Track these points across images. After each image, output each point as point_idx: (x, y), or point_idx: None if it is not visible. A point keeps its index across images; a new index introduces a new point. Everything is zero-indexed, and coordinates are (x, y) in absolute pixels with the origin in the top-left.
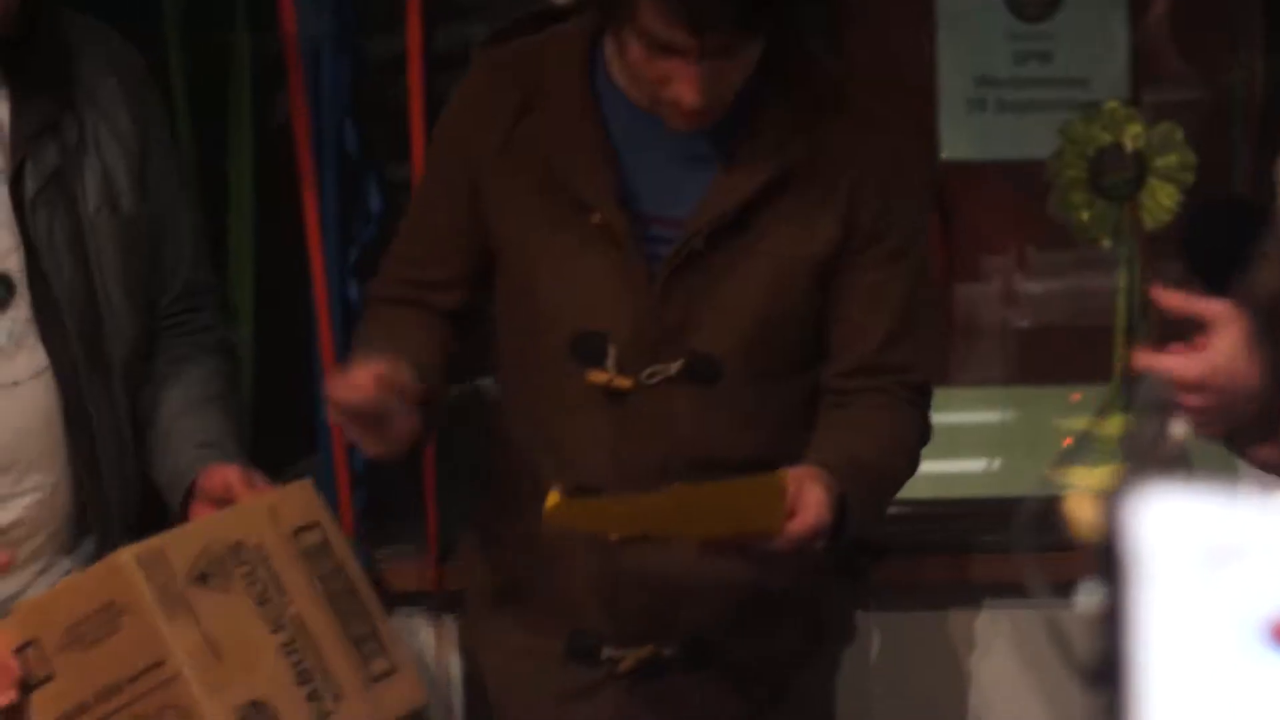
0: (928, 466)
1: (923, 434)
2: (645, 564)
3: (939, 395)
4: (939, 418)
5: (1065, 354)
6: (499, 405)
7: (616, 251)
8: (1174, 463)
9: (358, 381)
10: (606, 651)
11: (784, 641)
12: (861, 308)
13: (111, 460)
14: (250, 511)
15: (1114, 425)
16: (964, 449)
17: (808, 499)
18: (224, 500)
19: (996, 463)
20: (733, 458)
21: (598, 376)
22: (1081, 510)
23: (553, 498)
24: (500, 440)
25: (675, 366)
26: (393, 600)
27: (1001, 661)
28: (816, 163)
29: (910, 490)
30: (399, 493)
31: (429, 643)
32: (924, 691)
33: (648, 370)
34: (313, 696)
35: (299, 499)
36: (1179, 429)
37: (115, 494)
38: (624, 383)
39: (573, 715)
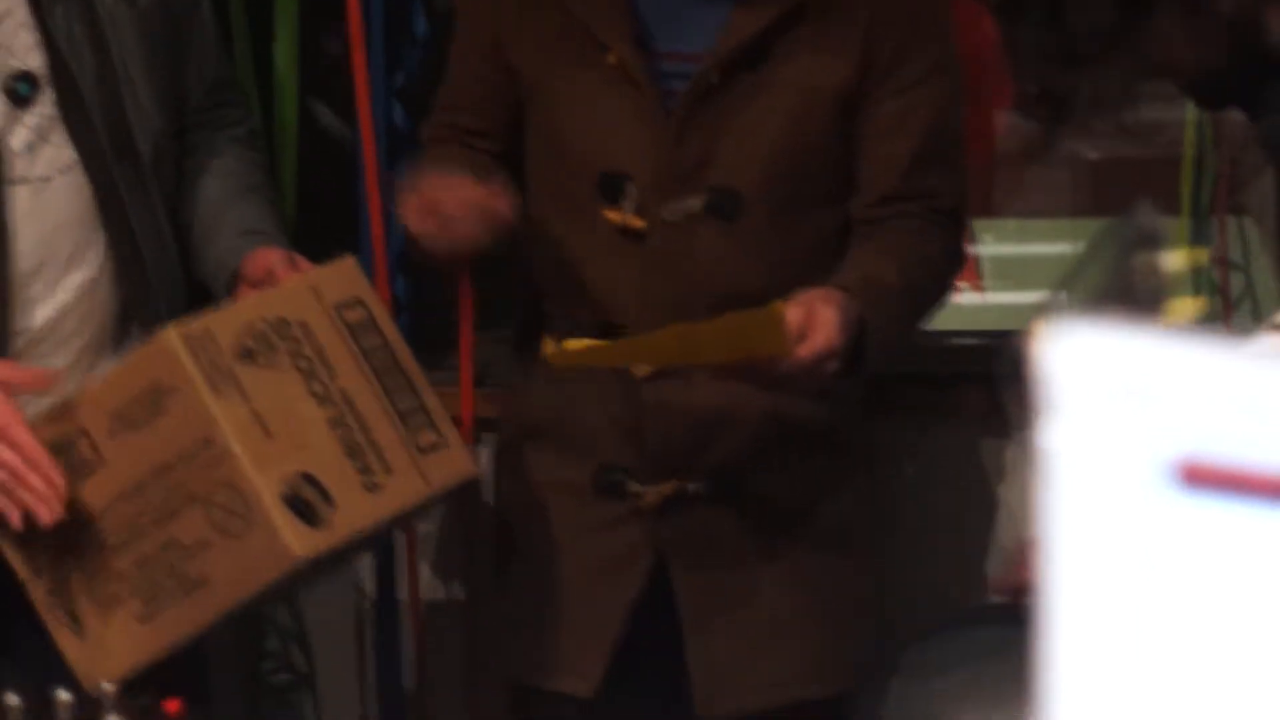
0: (996, 298)
1: (952, 258)
2: (670, 399)
3: (1007, 227)
4: (1008, 249)
5: (1134, 186)
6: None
7: (634, 90)
8: (1156, 295)
9: (438, 180)
10: (632, 486)
11: (810, 472)
12: (885, 136)
13: (153, 253)
14: (293, 290)
15: (1181, 259)
16: (1033, 281)
17: (818, 321)
18: (268, 284)
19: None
20: (756, 293)
21: (614, 215)
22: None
23: (549, 346)
24: (528, 279)
25: (697, 203)
26: None
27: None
28: None
29: (977, 321)
30: (436, 319)
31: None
32: (954, 517)
33: (669, 208)
34: (363, 470)
35: (342, 276)
36: (1166, 261)
37: (159, 289)
38: (637, 222)
39: (598, 548)
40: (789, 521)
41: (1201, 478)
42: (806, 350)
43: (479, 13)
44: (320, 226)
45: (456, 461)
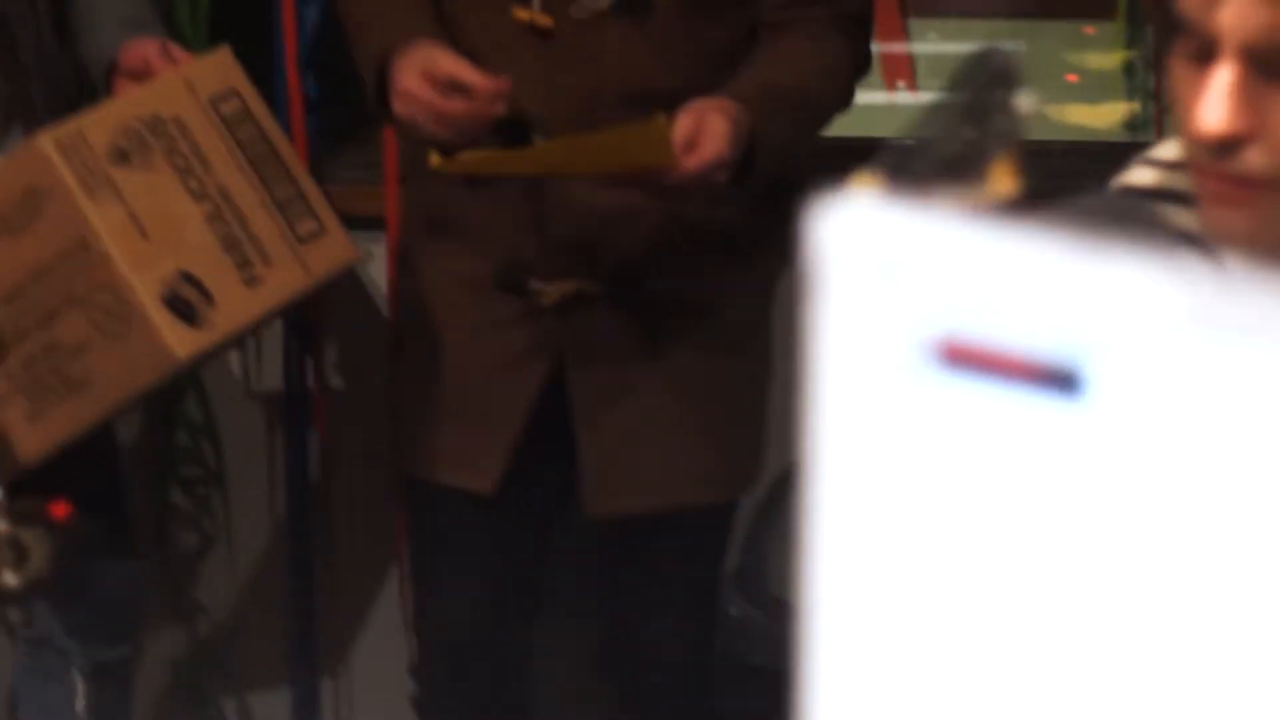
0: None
1: (857, 63)
2: (572, 197)
3: (946, 25)
4: (946, 47)
5: None
6: None
7: None
8: (1011, 133)
9: (428, 82)
10: (533, 283)
11: (708, 274)
12: None
13: (31, 49)
14: (167, 85)
15: (1117, 59)
16: None
17: (708, 132)
18: (145, 76)
19: None
20: (663, 91)
21: (522, 13)
22: (863, 188)
23: (435, 157)
24: None
25: (605, 1)
26: (348, 223)
27: None
28: None
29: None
30: (355, 118)
31: (382, 266)
32: None
33: (577, 5)
34: (241, 263)
35: (215, 68)
36: (1024, 101)
37: (39, 87)
38: (546, 20)
39: (497, 346)
40: (685, 323)
41: (961, 357)
42: (695, 161)
43: None
44: (233, 22)
45: (337, 248)
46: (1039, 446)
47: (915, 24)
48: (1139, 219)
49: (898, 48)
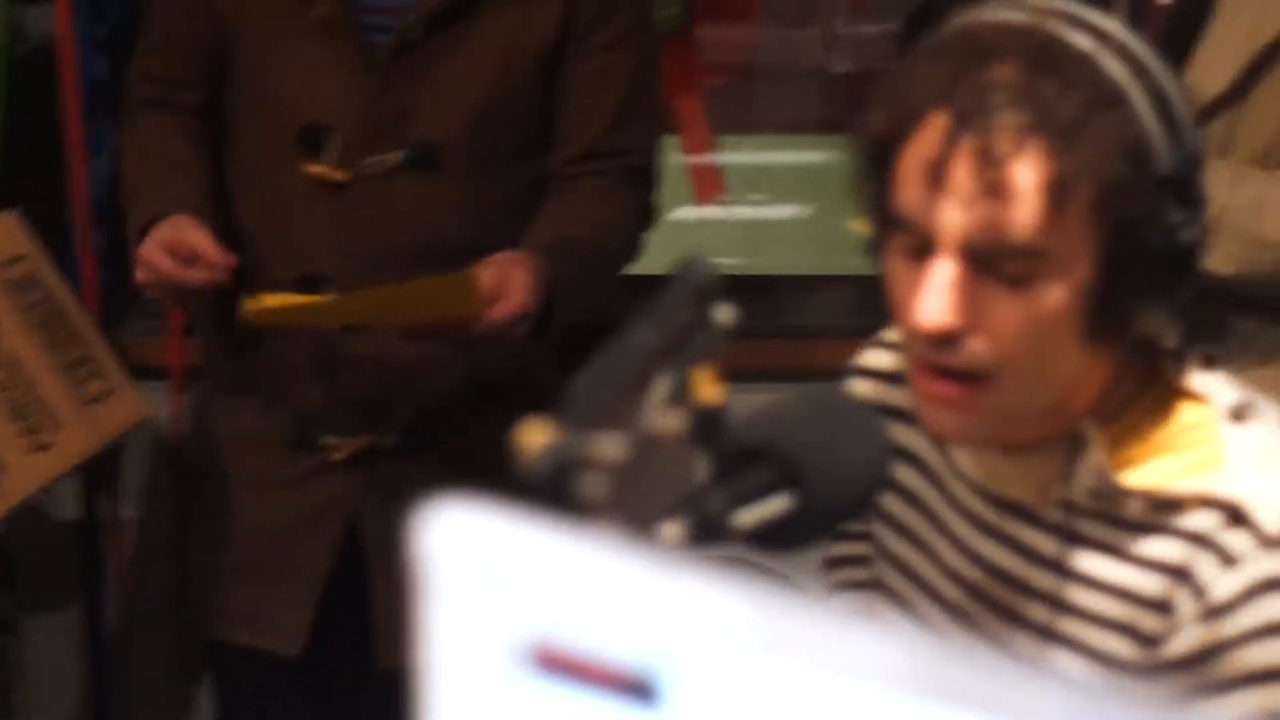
0: (744, 211)
1: (642, 216)
2: (366, 351)
3: (755, 140)
4: (755, 159)
5: None
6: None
7: (338, 42)
8: (713, 347)
9: (169, 253)
10: (326, 439)
11: (505, 425)
12: (585, 93)
13: None
14: None
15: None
16: (780, 193)
17: (510, 285)
18: None
19: (809, 209)
20: (456, 245)
21: (315, 168)
22: (530, 437)
23: (248, 304)
24: (231, 231)
25: (397, 156)
26: (136, 374)
27: None
28: None
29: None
30: None
31: (168, 417)
32: None
33: (370, 160)
34: (30, 431)
35: (2, 234)
36: (724, 313)
37: None
38: (339, 174)
39: (294, 504)
40: (482, 475)
41: (554, 663)
42: (498, 313)
43: None
44: (25, 178)
45: (126, 406)
46: None
47: (725, 139)
48: (859, 413)
49: (708, 162)
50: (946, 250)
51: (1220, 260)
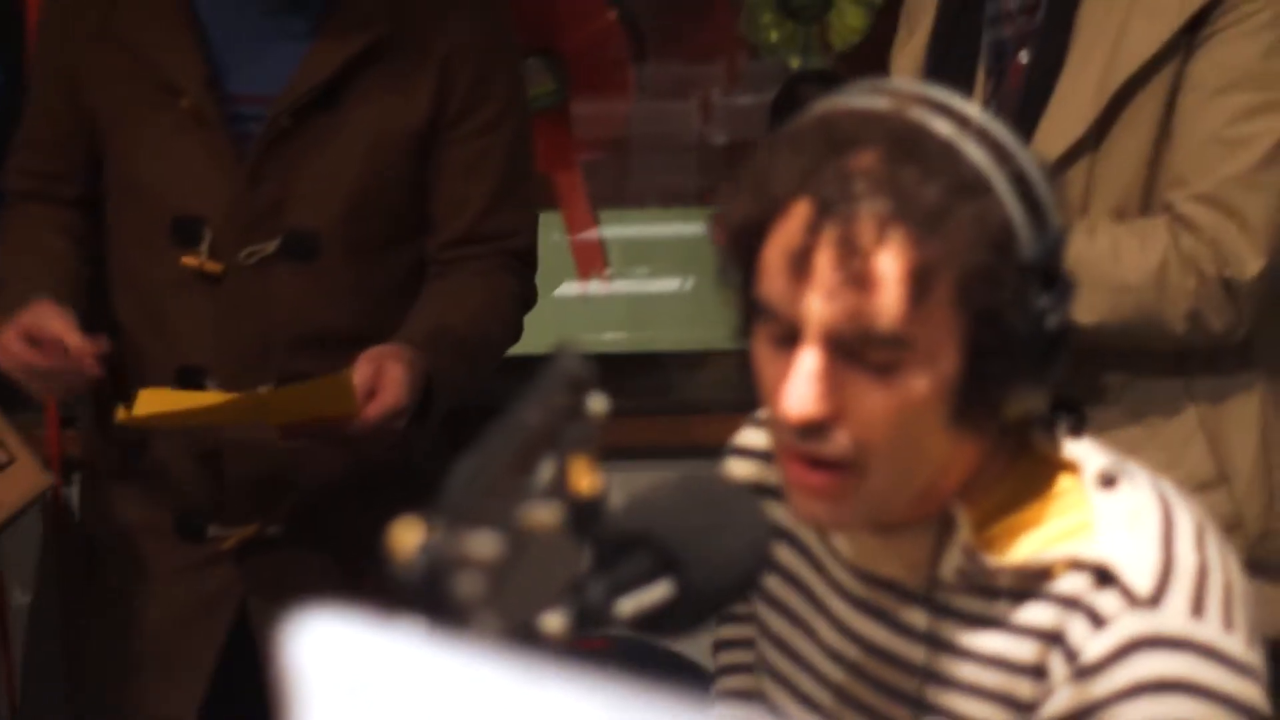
0: (627, 286)
1: (521, 299)
2: (249, 441)
3: (635, 214)
4: (636, 232)
5: None
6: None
7: (208, 133)
8: (587, 435)
9: (28, 340)
10: (213, 529)
11: (391, 510)
12: (460, 179)
13: None
14: None
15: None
16: (661, 266)
17: (386, 380)
18: None
19: (690, 281)
20: (334, 332)
21: (190, 261)
22: (404, 536)
23: (121, 412)
24: (109, 323)
25: (272, 245)
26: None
27: None
28: (407, 35)
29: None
30: None
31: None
32: None
33: (245, 251)
34: None
35: None
36: (596, 402)
37: None
38: (214, 267)
39: (183, 594)
40: (370, 561)
41: None
42: (375, 409)
43: (52, 52)
44: None
45: (29, 477)
46: None
47: (605, 214)
48: (738, 497)
49: (589, 237)
50: (811, 340)
51: (1082, 311)
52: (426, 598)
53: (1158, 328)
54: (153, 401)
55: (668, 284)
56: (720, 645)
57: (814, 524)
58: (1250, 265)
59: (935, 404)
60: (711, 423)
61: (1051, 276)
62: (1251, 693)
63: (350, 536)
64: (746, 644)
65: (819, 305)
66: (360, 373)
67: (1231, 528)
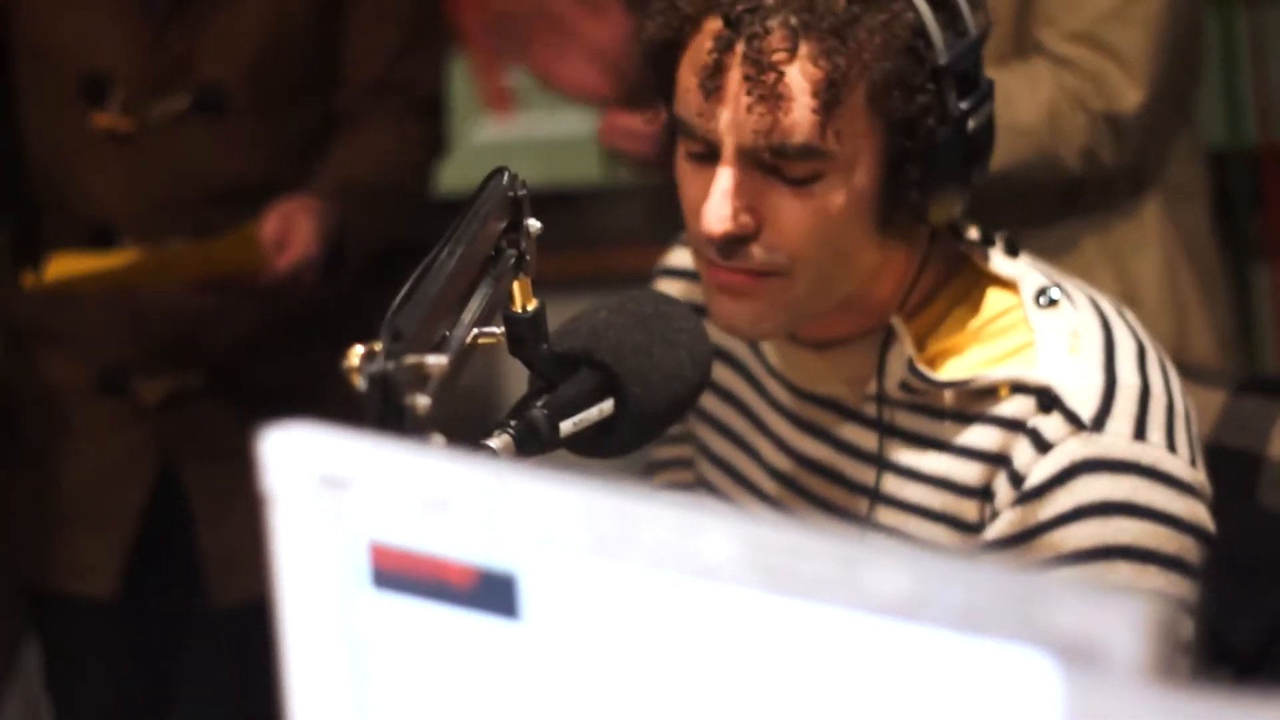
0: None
1: (431, 147)
2: (168, 295)
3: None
4: None
5: None
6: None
7: None
8: (525, 257)
9: None
10: (135, 383)
11: (310, 358)
12: (366, 27)
13: None
14: None
15: None
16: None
17: (295, 233)
18: None
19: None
20: (248, 186)
21: (101, 119)
22: (355, 360)
23: (28, 277)
24: (24, 178)
25: (183, 101)
26: None
27: None
28: None
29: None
30: None
31: None
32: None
33: (156, 107)
34: None
35: None
36: (533, 225)
37: None
38: (126, 124)
39: (105, 450)
40: (289, 408)
41: (399, 573)
42: (284, 262)
43: None
44: None
45: None
46: (477, 662)
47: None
48: (677, 315)
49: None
50: (727, 156)
51: None
52: (377, 414)
53: (1054, 166)
54: (62, 266)
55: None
56: (655, 466)
57: (733, 330)
58: (1130, 98)
59: (856, 213)
60: (627, 253)
61: (969, 80)
62: (1197, 511)
63: (271, 387)
64: (683, 464)
65: (732, 122)
66: (268, 226)
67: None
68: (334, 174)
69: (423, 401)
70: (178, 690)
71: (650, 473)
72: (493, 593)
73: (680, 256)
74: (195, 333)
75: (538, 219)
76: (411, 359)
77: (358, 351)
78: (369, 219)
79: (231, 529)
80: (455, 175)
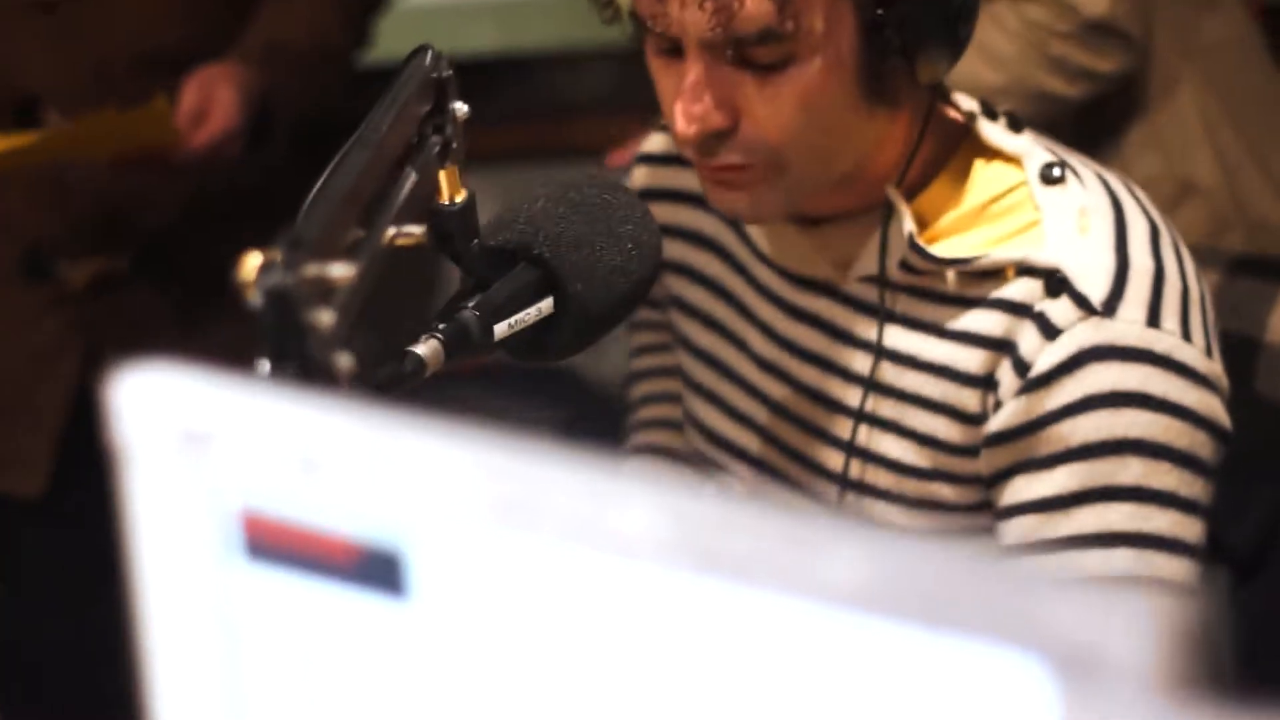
0: None
1: (368, 5)
2: (92, 175)
3: None
4: None
5: None
6: None
7: None
8: (452, 144)
9: None
10: (60, 266)
11: (247, 240)
12: None
13: None
14: None
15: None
16: None
17: (214, 103)
18: None
19: None
20: (174, 51)
21: None
22: (251, 267)
23: None
24: None
25: None
26: None
27: None
28: None
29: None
30: None
31: None
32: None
33: None
34: None
35: None
36: (460, 109)
37: None
38: None
39: (29, 339)
40: (221, 294)
41: (264, 535)
42: (204, 135)
43: None
44: None
45: None
46: (361, 646)
47: None
48: (620, 201)
49: None
50: (691, 52)
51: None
52: (275, 332)
53: (1052, 101)
54: None
55: None
56: (636, 376)
57: (734, 215)
58: (1095, 3)
59: (839, 87)
60: (591, 124)
61: None
62: (1211, 404)
63: (198, 269)
64: (666, 373)
65: (687, 14)
66: (186, 97)
67: (1217, 233)
68: (260, 36)
69: (326, 318)
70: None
71: (630, 383)
72: (378, 568)
73: (657, 141)
74: (121, 213)
75: (491, 86)
76: (314, 269)
77: (253, 261)
78: (298, 84)
79: None
80: (401, 38)
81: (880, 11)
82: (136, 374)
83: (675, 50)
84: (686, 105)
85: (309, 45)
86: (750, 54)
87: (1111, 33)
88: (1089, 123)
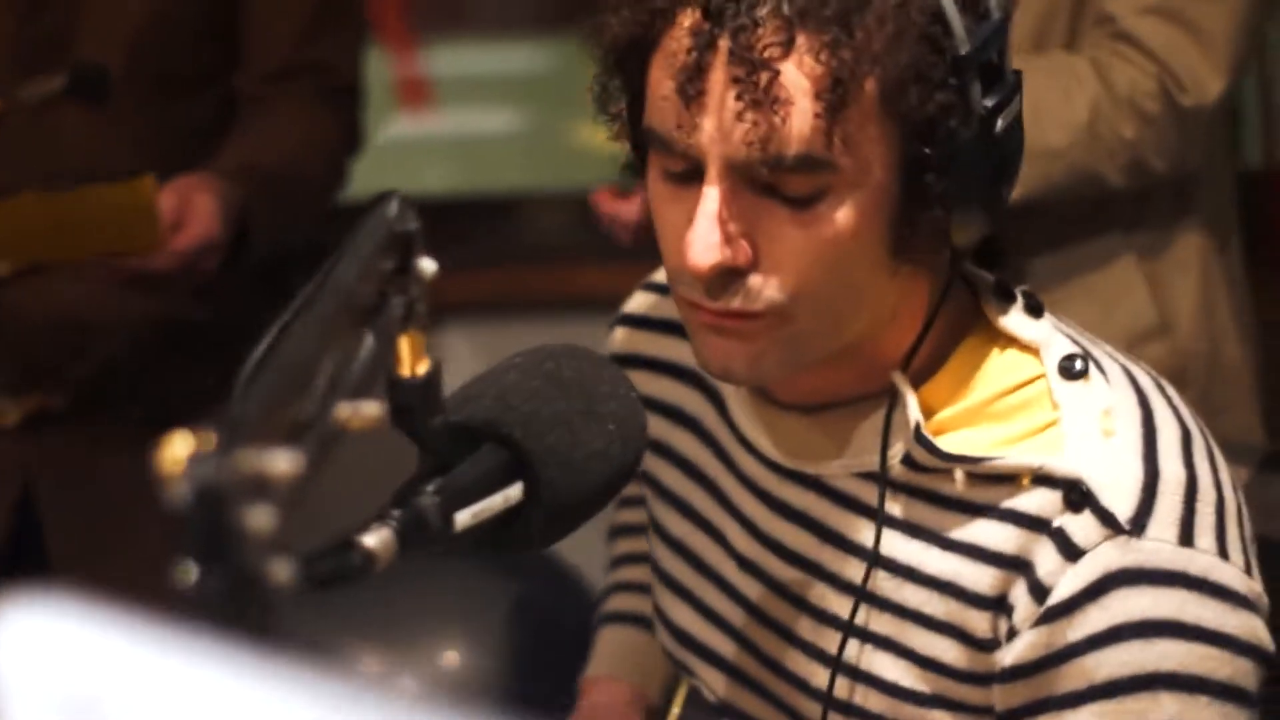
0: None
1: (345, 138)
2: (31, 301)
3: (465, 46)
4: (465, 67)
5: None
6: None
7: None
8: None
9: None
10: None
11: (197, 380)
12: (271, 6)
13: None
14: None
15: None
16: (495, 101)
17: (194, 211)
18: None
19: (526, 118)
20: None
21: None
22: (174, 456)
23: None
24: None
25: (57, 81)
26: None
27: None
28: None
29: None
30: None
31: None
32: None
33: (26, 87)
34: None
35: None
36: (425, 266)
37: None
38: None
39: None
40: (160, 432)
41: None
42: (183, 241)
43: None
44: None
45: None
46: None
47: (434, 45)
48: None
49: (415, 69)
50: (714, 175)
51: None
52: (203, 536)
53: (1093, 184)
54: None
55: (500, 120)
56: (619, 530)
57: (728, 374)
58: (1211, 87)
59: (869, 233)
60: (554, 273)
61: (994, 71)
62: (1253, 626)
63: (153, 406)
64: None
65: (718, 132)
66: (165, 202)
67: (1175, 381)
68: (235, 156)
69: (264, 520)
70: None
71: (612, 538)
72: None
73: (640, 301)
74: (58, 350)
75: (455, 228)
76: (252, 459)
77: (179, 448)
78: (276, 208)
79: (84, 554)
80: (363, 176)
81: (925, 151)
82: (17, 618)
83: (689, 175)
84: (705, 234)
85: (286, 173)
86: (782, 182)
87: (1196, 127)
88: (1085, 216)
